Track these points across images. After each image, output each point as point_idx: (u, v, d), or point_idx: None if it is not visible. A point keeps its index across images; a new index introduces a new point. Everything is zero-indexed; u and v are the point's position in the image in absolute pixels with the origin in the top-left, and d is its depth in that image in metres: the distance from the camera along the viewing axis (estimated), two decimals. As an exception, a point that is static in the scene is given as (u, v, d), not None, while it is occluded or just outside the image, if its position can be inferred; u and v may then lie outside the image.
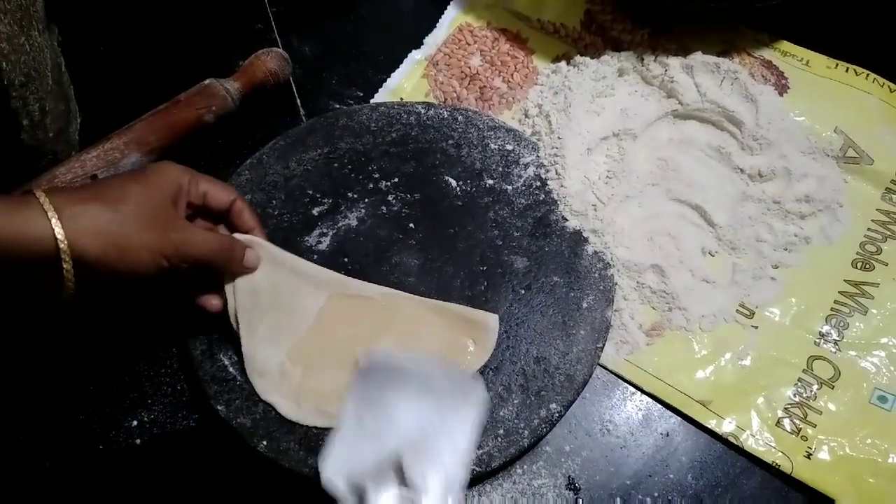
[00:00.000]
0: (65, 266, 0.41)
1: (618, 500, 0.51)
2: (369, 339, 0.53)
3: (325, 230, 0.59)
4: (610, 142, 0.64)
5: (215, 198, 0.50)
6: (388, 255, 0.58)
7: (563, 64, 0.69)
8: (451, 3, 0.74)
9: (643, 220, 0.62)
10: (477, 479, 0.51)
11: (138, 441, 0.53)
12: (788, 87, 0.68)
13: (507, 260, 0.58)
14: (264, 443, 0.50)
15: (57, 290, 0.42)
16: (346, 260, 0.58)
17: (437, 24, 0.73)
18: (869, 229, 0.62)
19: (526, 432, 0.51)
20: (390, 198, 0.61)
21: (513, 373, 0.53)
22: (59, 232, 0.40)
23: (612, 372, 0.56)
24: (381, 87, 0.69)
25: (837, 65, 0.69)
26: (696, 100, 0.66)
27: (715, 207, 0.62)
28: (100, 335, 0.56)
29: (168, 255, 0.45)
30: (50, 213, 0.41)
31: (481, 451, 0.50)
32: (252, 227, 0.52)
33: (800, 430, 0.53)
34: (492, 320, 0.54)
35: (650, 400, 0.55)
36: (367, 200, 0.61)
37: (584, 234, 0.59)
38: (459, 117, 0.65)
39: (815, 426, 0.53)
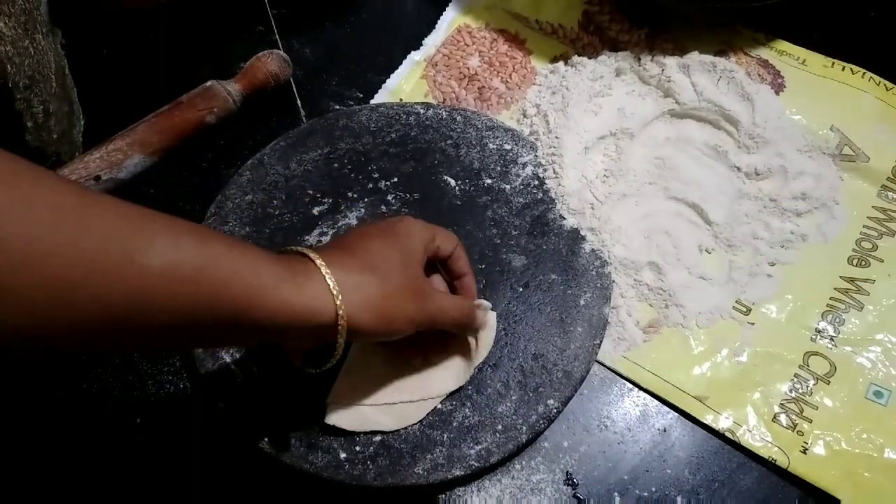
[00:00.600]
0: (339, 340, 0.41)
1: (615, 494, 0.52)
2: None
3: (325, 230, 0.60)
4: (607, 141, 0.65)
5: (444, 249, 0.50)
6: (387, 254, 0.59)
7: (560, 64, 0.70)
8: (449, 4, 0.75)
9: (640, 218, 0.62)
10: (475, 475, 0.52)
11: (141, 439, 0.53)
12: (785, 86, 0.69)
13: (506, 258, 0.59)
14: (265, 439, 0.51)
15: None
16: (346, 259, 0.58)
17: (436, 26, 0.74)
18: (865, 226, 0.62)
19: (524, 428, 0.52)
20: (390, 197, 0.62)
21: (511, 369, 0.54)
22: (342, 312, 0.40)
23: (609, 368, 0.56)
24: (380, 88, 0.70)
25: (834, 63, 0.70)
26: (693, 99, 0.66)
27: (712, 205, 0.62)
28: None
29: (421, 324, 0.45)
30: (335, 291, 0.40)
31: (479, 448, 0.51)
32: (465, 273, 0.52)
33: (796, 425, 0.54)
34: (491, 318, 0.55)
35: (647, 396, 0.56)
36: (366, 200, 0.61)
37: (582, 233, 0.60)
38: (458, 117, 0.65)
39: (811, 421, 0.54)
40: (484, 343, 0.54)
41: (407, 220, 0.48)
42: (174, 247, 0.34)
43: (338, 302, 0.40)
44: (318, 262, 0.41)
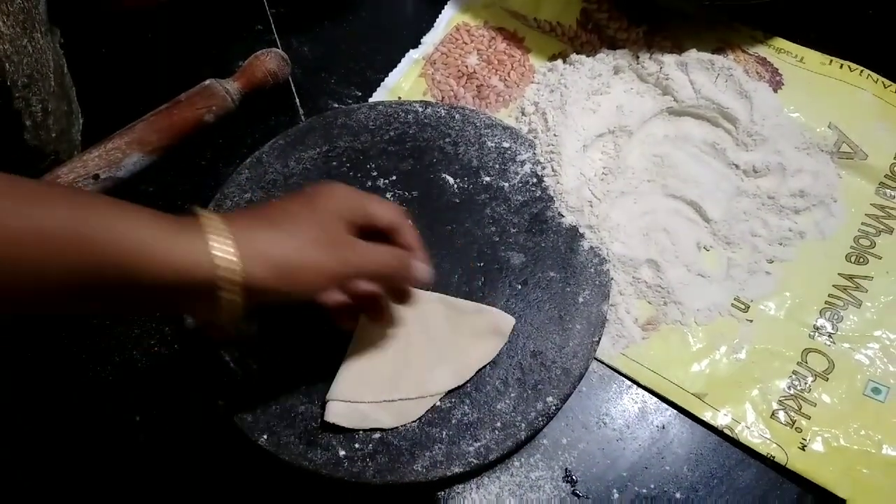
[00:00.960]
0: (225, 296, 0.39)
1: (614, 491, 0.52)
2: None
3: (324, 228, 0.60)
4: (606, 139, 0.65)
5: (381, 218, 0.47)
6: (386, 252, 0.59)
7: (559, 62, 0.70)
8: (448, 2, 0.75)
9: (639, 215, 0.62)
10: (475, 472, 0.52)
11: (141, 437, 0.54)
12: (783, 84, 0.69)
13: (504, 256, 0.59)
14: (265, 437, 0.51)
15: (222, 317, 0.40)
16: (344, 257, 0.59)
17: (435, 24, 0.74)
18: (863, 223, 0.62)
19: (523, 425, 0.52)
20: (388, 195, 0.62)
21: (510, 367, 0.54)
22: (225, 263, 0.38)
23: (608, 366, 0.57)
24: (379, 86, 0.70)
25: (831, 61, 0.70)
26: (691, 97, 0.66)
27: (710, 203, 0.62)
28: (103, 332, 0.57)
29: (337, 273, 0.43)
30: (215, 242, 0.38)
31: (478, 445, 0.51)
32: (413, 247, 0.48)
33: (794, 421, 0.54)
34: (505, 325, 0.55)
35: (646, 393, 0.56)
36: (365, 198, 0.61)
37: (580, 230, 0.60)
38: (457, 115, 0.65)
39: (809, 418, 0.54)
40: (491, 348, 0.54)
41: (330, 185, 0.46)
42: (44, 209, 0.35)
43: (216, 253, 0.38)
44: (202, 214, 0.39)
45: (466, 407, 0.52)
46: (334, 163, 0.63)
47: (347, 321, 0.50)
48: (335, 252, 0.43)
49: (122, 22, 0.72)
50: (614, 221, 0.61)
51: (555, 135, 0.63)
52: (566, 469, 0.53)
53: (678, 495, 0.52)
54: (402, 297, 0.51)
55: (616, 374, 0.56)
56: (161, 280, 0.37)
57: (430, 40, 0.73)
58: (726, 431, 0.54)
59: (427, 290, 0.55)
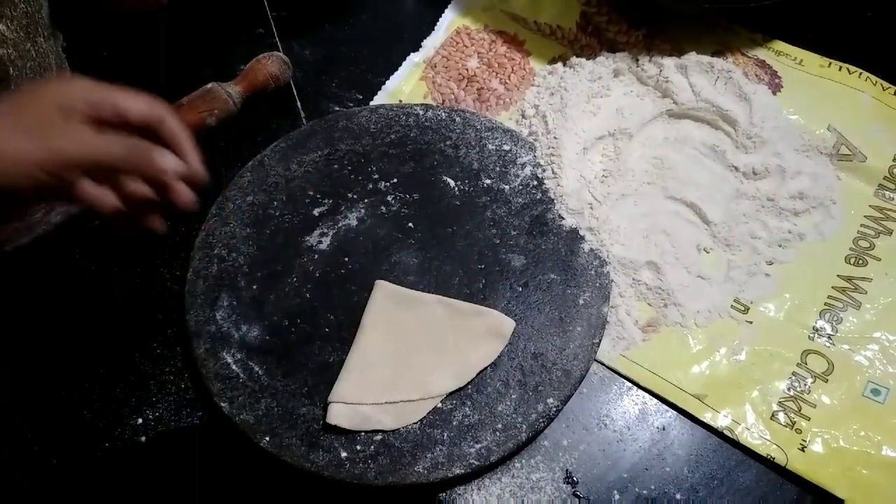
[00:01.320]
0: None
1: (615, 492, 0.52)
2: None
3: (325, 230, 0.60)
4: (606, 141, 0.65)
5: (128, 109, 0.41)
6: (387, 254, 0.59)
7: (559, 65, 0.70)
8: (448, 6, 0.75)
9: (639, 217, 0.62)
10: (475, 474, 0.52)
11: (143, 438, 0.54)
12: (782, 86, 0.69)
13: (505, 258, 0.59)
14: (267, 439, 0.51)
15: None
16: (346, 259, 0.59)
17: (435, 28, 0.74)
18: (862, 225, 0.62)
19: (524, 427, 0.52)
20: (389, 198, 0.62)
21: (511, 368, 0.54)
22: None
23: (608, 367, 0.57)
24: (380, 89, 0.70)
25: (830, 63, 0.70)
26: (691, 99, 0.67)
27: (710, 205, 0.63)
28: (105, 334, 0.57)
29: (42, 160, 0.38)
30: None
31: (479, 446, 0.51)
32: (177, 142, 0.43)
33: (794, 423, 0.54)
34: (506, 327, 0.55)
35: (646, 395, 0.56)
36: (366, 201, 0.62)
37: (581, 232, 0.60)
38: (457, 118, 0.66)
39: (809, 419, 0.54)
40: (491, 350, 0.55)
41: (67, 77, 0.43)
42: None
43: None
44: None
45: (467, 409, 0.53)
46: (335, 165, 0.63)
47: (122, 225, 0.45)
48: (40, 137, 0.38)
49: (124, 25, 0.72)
50: (614, 224, 0.61)
51: (555, 137, 0.64)
52: (567, 470, 0.53)
53: (679, 496, 0.52)
54: (168, 194, 0.44)
55: (616, 375, 0.57)
56: None
57: (431, 44, 0.73)
58: (726, 433, 0.54)
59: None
